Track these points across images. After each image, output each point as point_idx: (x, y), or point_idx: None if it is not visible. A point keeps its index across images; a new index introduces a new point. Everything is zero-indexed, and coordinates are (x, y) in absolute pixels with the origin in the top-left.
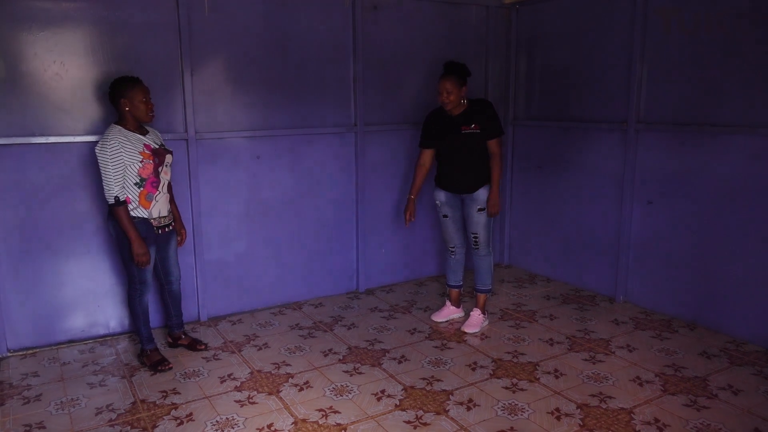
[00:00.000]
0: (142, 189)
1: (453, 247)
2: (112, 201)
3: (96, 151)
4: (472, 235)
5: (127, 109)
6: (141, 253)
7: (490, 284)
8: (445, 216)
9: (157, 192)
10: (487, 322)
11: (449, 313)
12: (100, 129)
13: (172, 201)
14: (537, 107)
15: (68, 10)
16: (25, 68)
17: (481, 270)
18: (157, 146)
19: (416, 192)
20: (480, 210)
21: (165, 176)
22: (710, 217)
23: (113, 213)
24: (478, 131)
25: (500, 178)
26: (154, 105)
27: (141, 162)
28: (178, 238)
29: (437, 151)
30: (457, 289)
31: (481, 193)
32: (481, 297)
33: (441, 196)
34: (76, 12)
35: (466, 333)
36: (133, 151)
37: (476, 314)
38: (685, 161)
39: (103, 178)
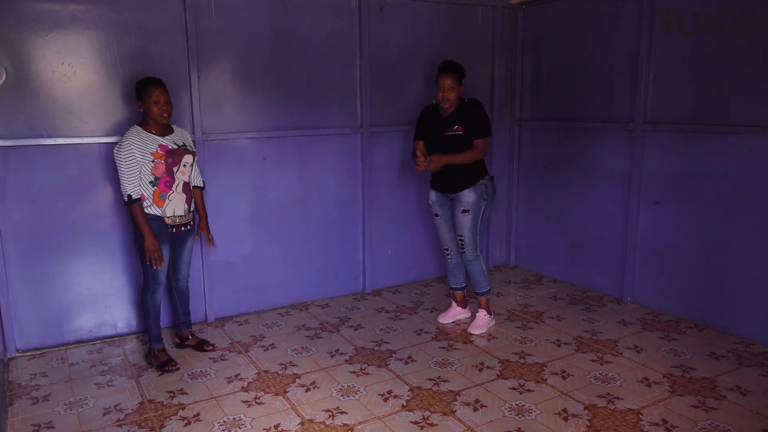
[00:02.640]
0: (155, 188)
1: (447, 249)
2: (125, 199)
3: (114, 152)
4: (458, 238)
5: (142, 110)
6: (153, 250)
7: (488, 285)
8: (437, 215)
9: (171, 191)
10: (493, 322)
11: (455, 314)
12: (109, 130)
13: (200, 203)
14: (543, 107)
15: (76, 13)
16: (33, 70)
17: (474, 274)
18: (176, 147)
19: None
20: (464, 212)
21: (181, 176)
22: (718, 218)
23: (129, 209)
24: (461, 133)
25: (465, 160)
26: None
27: (153, 162)
28: (209, 236)
29: (428, 149)
30: (460, 291)
31: (467, 194)
32: (483, 299)
33: (432, 195)
34: (84, 14)
35: (472, 334)
36: (145, 150)
37: (482, 315)
38: (692, 161)
39: (119, 177)
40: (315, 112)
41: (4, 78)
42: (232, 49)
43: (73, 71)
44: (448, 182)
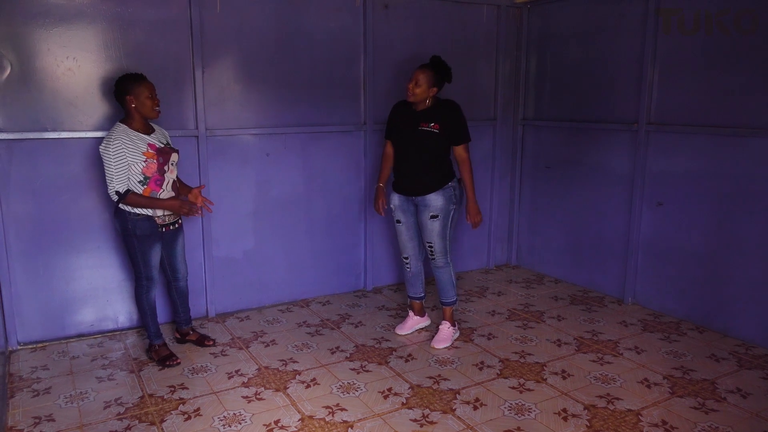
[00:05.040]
0: (145, 187)
1: (407, 258)
2: (115, 197)
3: (100, 149)
4: (428, 245)
5: (133, 105)
6: (180, 205)
7: (455, 296)
8: (398, 221)
9: (161, 190)
10: (458, 334)
11: (414, 323)
12: (112, 125)
13: (183, 185)
14: (547, 107)
15: (82, 6)
16: (38, 63)
17: (442, 282)
18: (162, 145)
19: (384, 180)
20: (433, 217)
21: (170, 175)
22: (720, 220)
23: (128, 204)
24: (437, 131)
25: (473, 185)
26: (166, 101)
27: (145, 161)
28: (196, 190)
29: (394, 146)
30: (419, 301)
31: (434, 199)
32: (448, 310)
33: (395, 199)
34: (90, 8)
35: (436, 349)
36: (135, 150)
37: (445, 328)
38: (695, 163)
39: (106, 175)
40: (318, 109)
41: (8, 71)
42: (236, 44)
43: (78, 65)
44: (414, 184)
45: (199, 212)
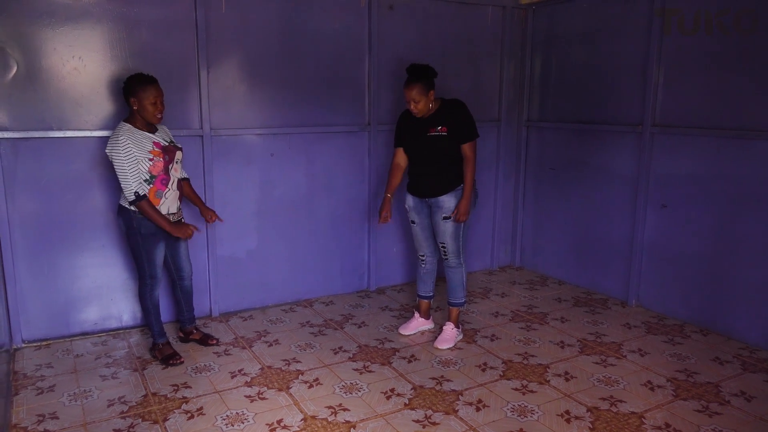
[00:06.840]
0: (151, 186)
1: (423, 256)
2: (132, 197)
3: (107, 151)
4: (441, 245)
5: (135, 108)
6: (182, 230)
7: (464, 297)
8: (413, 222)
9: (167, 189)
10: (461, 336)
11: (418, 325)
12: (117, 124)
13: (190, 191)
14: (551, 109)
15: (88, 6)
16: (44, 63)
17: (452, 282)
18: (166, 143)
19: (392, 191)
20: (445, 218)
21: (175, 173)
22: (725, 222)
23: (139, 208)
24: (445, 134)
25: (472, 184)
26: (171, 101)
27: (151, 160)
28: (212, 217)
29: (407, 152)
30: (427, 301)
31: (446, 200)
32: (454, 310)
33: (409, 200)
34: (96, 8)
35: (439, 349)
36: (142, 149)
37: (449, 328)
38: (700, 165)
39: (119, 177)
40: (323, 109)
41: (15, 70)
42: (241, 45)
43: (84, 65)
44: (428, 186)
45: (190, 235)
